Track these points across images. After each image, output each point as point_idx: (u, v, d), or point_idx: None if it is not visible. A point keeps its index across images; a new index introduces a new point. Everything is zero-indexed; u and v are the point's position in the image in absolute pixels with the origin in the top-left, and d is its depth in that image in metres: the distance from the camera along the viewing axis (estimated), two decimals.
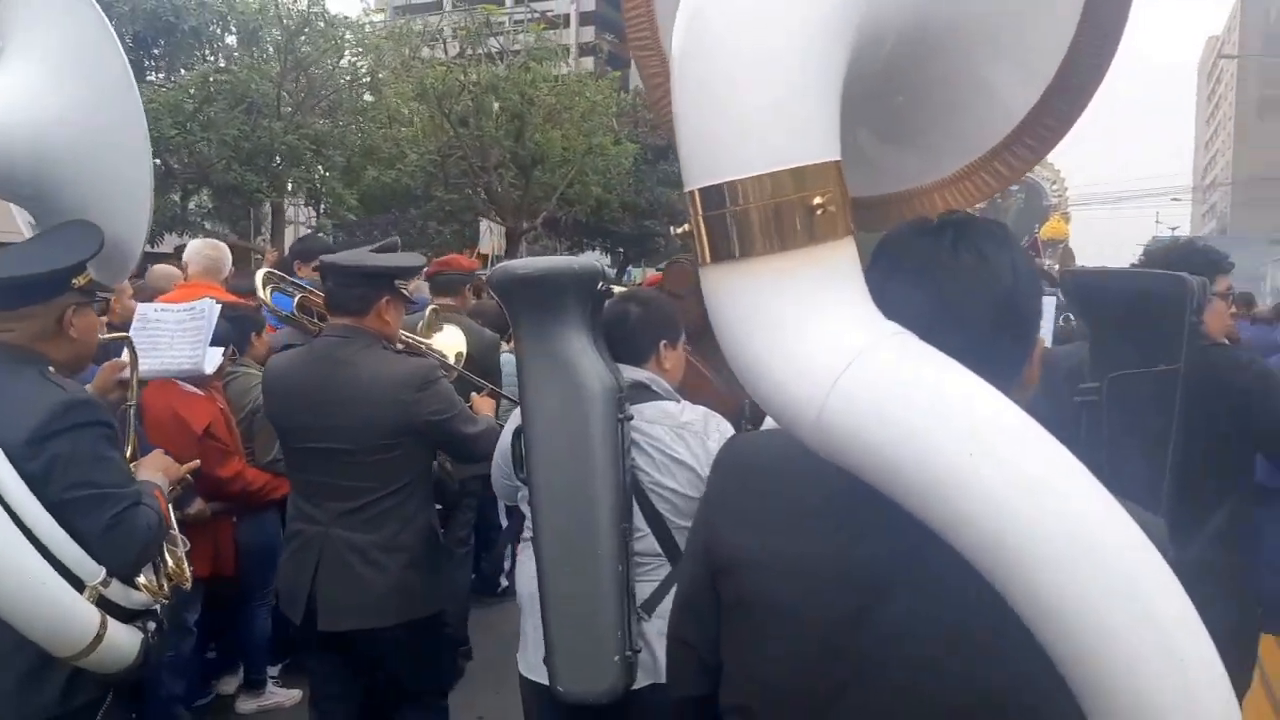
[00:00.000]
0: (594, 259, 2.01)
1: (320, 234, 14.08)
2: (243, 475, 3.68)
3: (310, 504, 2.73)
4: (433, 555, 2.76)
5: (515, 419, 2.19)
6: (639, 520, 2.05)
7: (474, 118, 17.81)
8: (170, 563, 2.24)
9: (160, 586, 2.17)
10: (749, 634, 1.13)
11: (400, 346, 3.04)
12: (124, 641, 1.99)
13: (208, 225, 13.21)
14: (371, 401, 2.62)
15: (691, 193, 1.00)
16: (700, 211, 0.99)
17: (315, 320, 3.47)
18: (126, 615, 2.01)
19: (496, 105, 17.79)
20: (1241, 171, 69.48)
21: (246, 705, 4.14)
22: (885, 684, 1.02)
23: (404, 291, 2.87)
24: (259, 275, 3.75)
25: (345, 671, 2.79)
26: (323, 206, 15.34)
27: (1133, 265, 3.23)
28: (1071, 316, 7.98)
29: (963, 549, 0.90)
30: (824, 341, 0.94)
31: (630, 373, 2.12)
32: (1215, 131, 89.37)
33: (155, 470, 2.29)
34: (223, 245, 5.17)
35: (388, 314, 2.76)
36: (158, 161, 12.89)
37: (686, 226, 1.04)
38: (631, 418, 2.03)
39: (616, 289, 2.55)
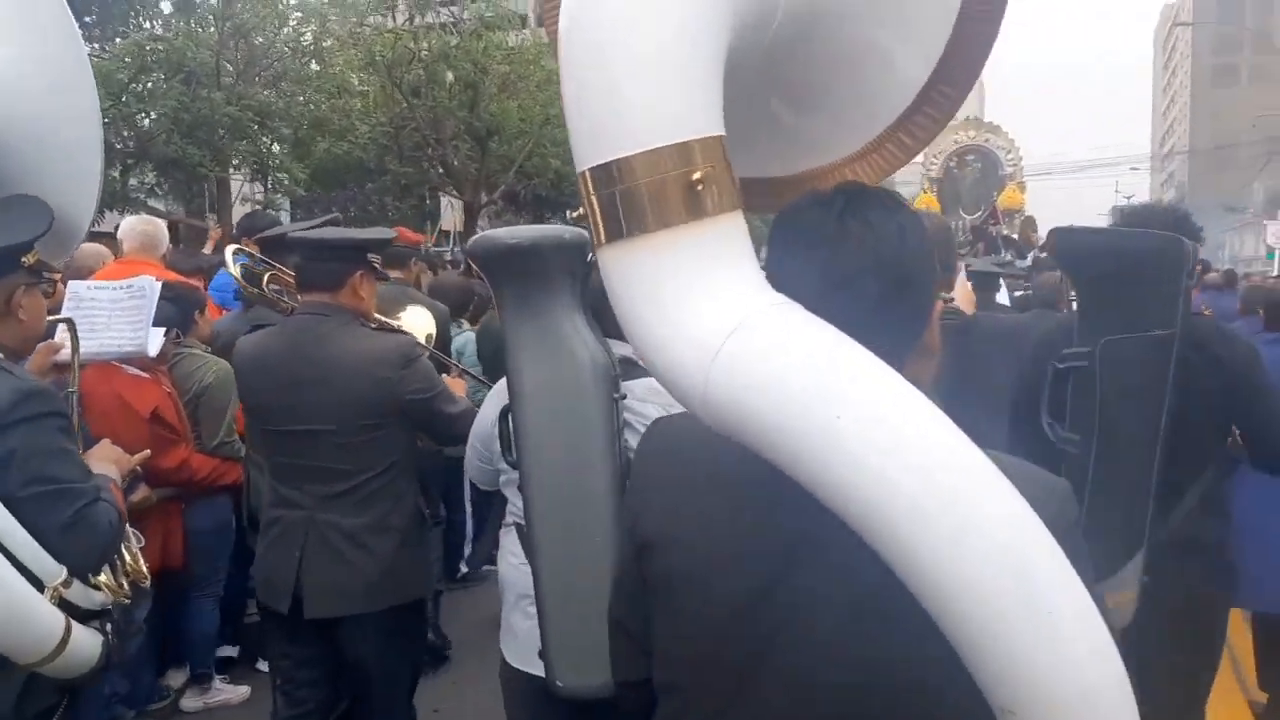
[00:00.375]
0: (581, 230, 1.96)
1: (268, 210, 13.82)
2: (189, 462, 3.60)
3: (290, 488, 2.67)
4: (420, 536, 2.74)
5: (498, 399, 2.14)
6: None
7: (426, 88, 17.54)
8: (128, 559, 2.17)
9: (120, 585, 2.10)
10: (669, 612, 1.17)
11: (374, 325, 3.00)
12: (87, 644, 1.93)
13: (150, 202, 12.83)
14: (354, 379, 2.57)
15: (583, 174, 1.02)
16: (591, 192, 1.02)
17: (285, 299, 3.39)
18: (84, 616, 1.95)
19: (450, 75, 17.51)
20: (1199, 140, 70.80)
21: (192, 703, 4.06)
22: (796, 657, 1.05)
23: (376, 265, 2.82)
24: (228, 252, 3.66)
25: (322, 659, 2.74)
26: (270, 181, 14.98)
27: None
28: (1030, 286, 8.11)
29: (843, 516, 0.93)
30: (707, 315, 0.97)
31: (619, 348, 2.04)
32: (1172, 100, 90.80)
33: (106, 462, 2.21)
34: (159, 221, 5.05)
35: (362, 289, 2.72)
36: None
37: (582, 210, 1.06)
38: (625, 396, 1.96)
39: None
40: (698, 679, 1.14)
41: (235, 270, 3.41)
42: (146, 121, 13.12)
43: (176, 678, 4.13)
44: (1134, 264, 2.33)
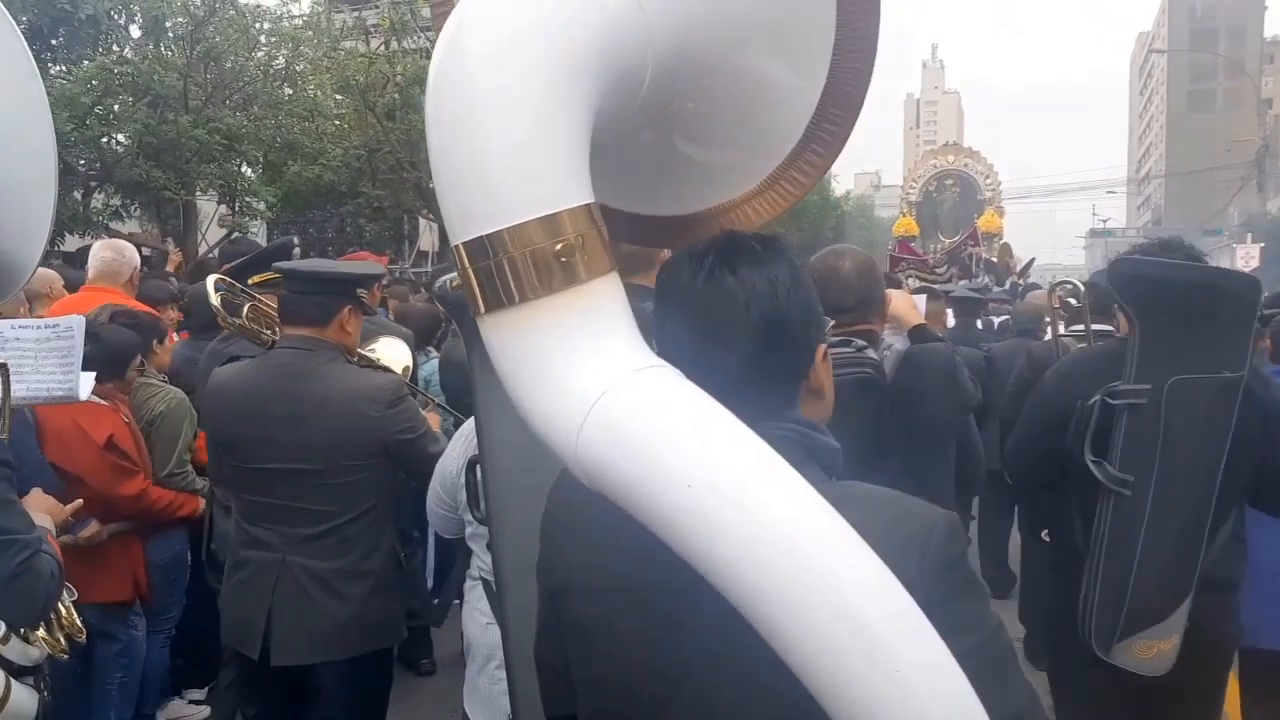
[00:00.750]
0: None
1: (237, 233, 13.72)
2: (147, 493, 3.52)
3: (261, 528, 2.59)
4: (396, 581, 2.68)
5: (463, 443, 2.04)
6: None
7: (401, 111, 17.54)
8: (63, 612, 2.12)
9: (57, 640, 2.06)
10: (585, 654, 1.21)
11: (355, 359, 2.96)
12: (24, 701, 1.88)
13: (113, 225, 12.70)
14: (339, 417, 2.55)
15: (457, 247, 1.07)
16: (467, 265, 1.06)
17: (268, 331, 3.30)
18: (19, 672, 1.90)
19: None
20: (1175, 164, 72.04)
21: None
22: (707, 691, 1.08)
23: (363, 300, 2.77)
24: (209, 282, 3.59)
25: (285, 704, 2.70)
26: (238, 204, 14.87)
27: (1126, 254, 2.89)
28: (1009, 313, 8.14)
29: (703, 574, 0.97)
30: (580, 378, 1.03)
31: None
32: (1149, 125, 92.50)
33: (41, 511, 2.14)
34: (125, 247, 4.96)
35: (349, 324, 2.68)
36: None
37: (457, 280, 1.10)
38: None
39: None
40: (619, 716, 1.17)
41: (215, 300, 3.34)
42: (112, 144, 13.00)
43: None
44: (1210, 302, 2.27)
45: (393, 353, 3.53)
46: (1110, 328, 3.63)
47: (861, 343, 2.16)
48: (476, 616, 2.23)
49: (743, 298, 1.10)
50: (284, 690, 2.68)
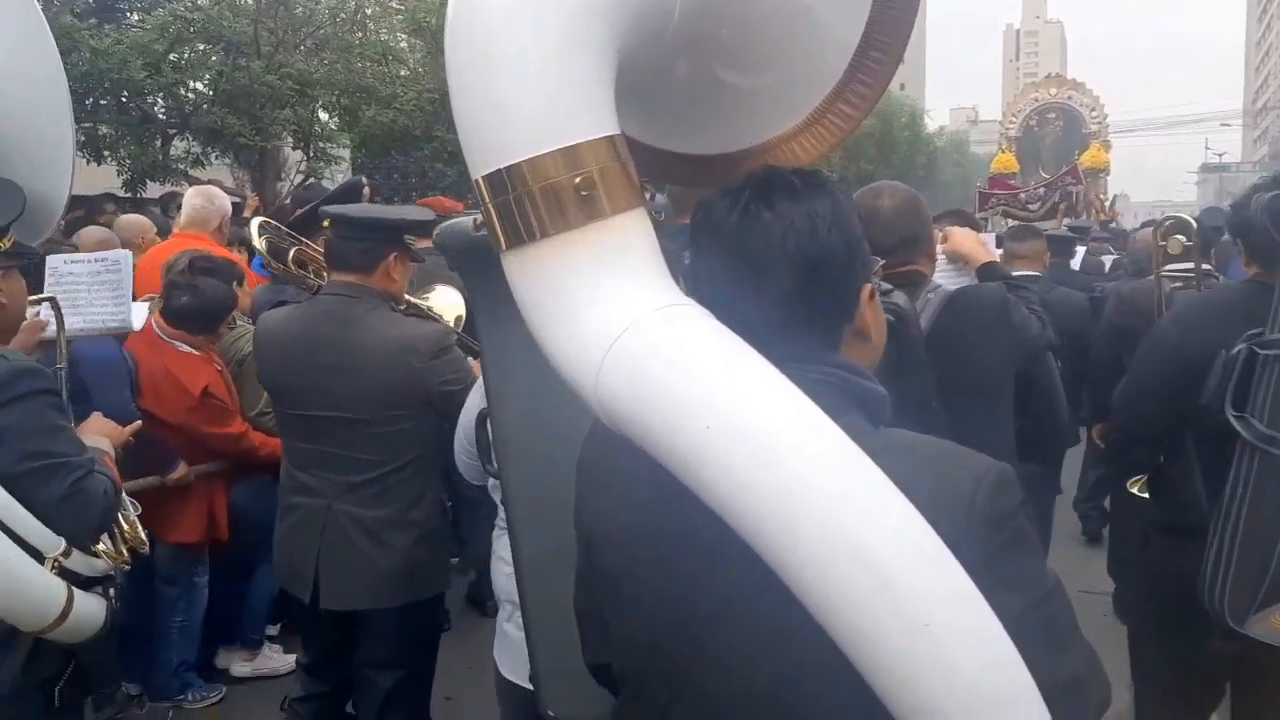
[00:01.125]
0: None
1: (312, 179, 13.80)
2: (247, 435, 3.67)
3: (309, 475, 2.64)
4: (441, 532, 2.75)
5: (479, 397, 2.03)
6: None
7: None
8: (125, 527, 2.32)
9: (120, 552, 2.25)
10: (615, 604, 1.21)
11: (404, 307, 2.97)
12: (91, 610, 2.08)
13: (192, 172, 12.89)
14: (381, 367, 2.53)
15: (477, 181, 1.05)
16: (487, 200, 1.04)
17: (313, 276, 3.37)
18: (87, 583, 2.09)
19: None
20: None
21: (241, 668, 4.13)
22: (731, 649, 1.06)
23: (413, 248, 2.74)
24: (254, 225, 3.61)
25: (339, 647, 2.77)
26: (313, 150, 14.95)
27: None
28: (1123, 251, 7.63)
29: (726, 521, 0.95)
30: (600, 316, 1.01)
31: None
32: (1266, 54, 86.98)
33: (99, 435, 2.34)
34: (218, 194, 5.11)
35: (395, 272, 2.66)
36: (133, 108, 12.61)
37: (482, 220, 1.08)
38: None
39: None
40: (645, 668, 1.18)
41: (260, 244, 3.36)
42: (189, 92, 13.14)
43: (228, 658, 4.19)
44: None
45: (445, 300, 3.51)
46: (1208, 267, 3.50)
47: (886, 285, 2.03)
48: (502, 567, 2.22)
49: (779, 233, 1.07)
50: (337, 633, 2.74)
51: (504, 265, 1.08)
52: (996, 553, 0.96)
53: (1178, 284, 3.44)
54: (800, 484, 0.91)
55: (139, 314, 3.36)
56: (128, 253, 3.36)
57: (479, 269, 1.80)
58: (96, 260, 3.29)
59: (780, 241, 1.06)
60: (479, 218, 1.15)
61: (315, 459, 2.62)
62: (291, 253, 3.50)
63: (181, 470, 3.58)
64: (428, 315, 3.04)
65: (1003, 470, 1.03)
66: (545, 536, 1.79)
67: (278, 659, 4.15)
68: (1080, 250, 6.85)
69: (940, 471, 1.02)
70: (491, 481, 2.20)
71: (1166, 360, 2.47)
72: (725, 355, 0.98)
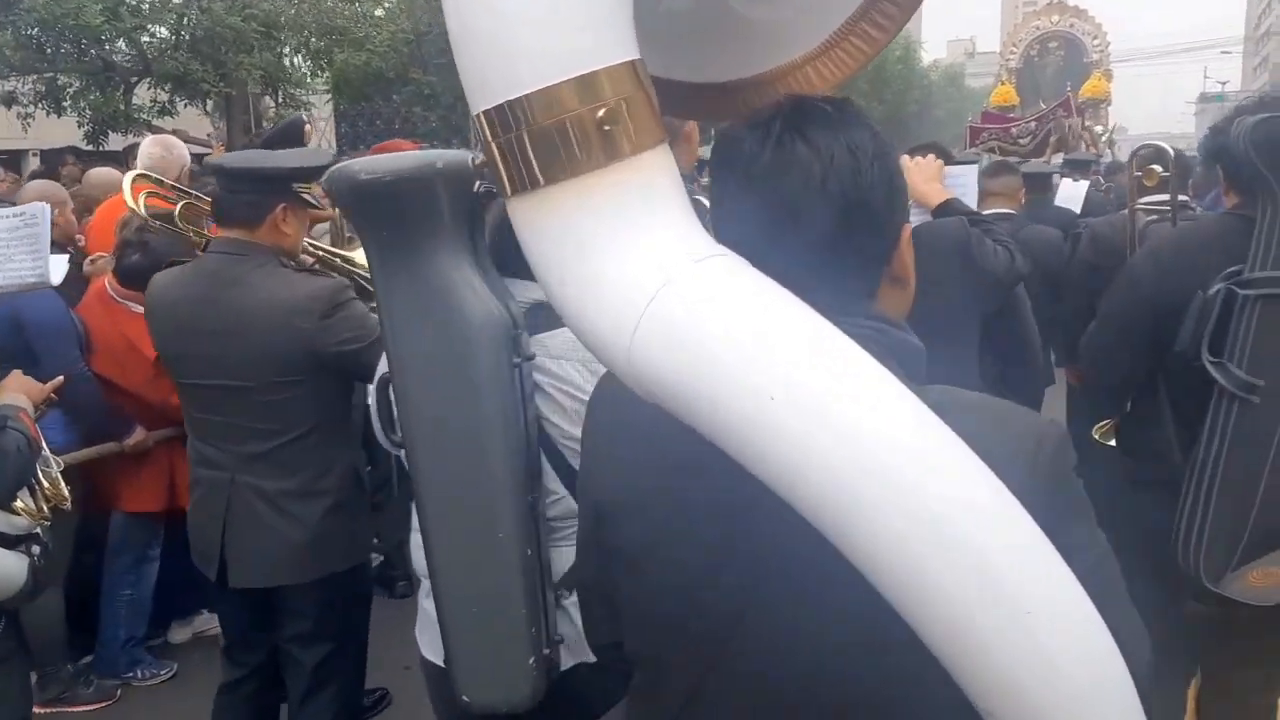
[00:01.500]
0: (463, 153, 1.54)
1: (296, 114, 13.43)
2: None
3: (209, 446, 2.54)
4: (356, 502, 2.59)
5: (382, 365, 1.88)
6: (553, 482, 1.77)
7: None
8: (46, 484, 2.30)
9: (39, 509, 2.23)
10: (634, 582, 1.13)
11: (311, 261, 2.79)
12: (11, 568, 2.10)
13: (155, 121, 12.52)
14: (267, 329, 2.39)
15: (478, 116, 0.92)
16: (490, 138, 0.91)
17: (193, 234, 3.11)
18: (9, 542, 2.10)
19: None
20: None
21: (179, 635, 4.04)
22: (771, 626, 1.00)
23: (308, 196, 2.53)
24: (127, 179, 3.33)
25: (255, 627, 2.67)
26: (281, 96, 14.53)
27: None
28: (1110, 185, 7.43)
29: (789, 502, 0.87)
30: (630, 272, 0.89)
31: (532, 291, 1.78)
32: None
33: (16, 392, 2.32)
34: (176, 144, 4.88)
35: (286, 224, 2.49)
36: (94, 55, 12.21)
37: (483, 157, 0.94)
38: (532, 356, 1.71)
39: None
40: (670, 650, 1.11)
41: (131, 200, 3.08)
42: (146, 38, 12.73)
43: (181, 632, 4.06)
44: None
45: None
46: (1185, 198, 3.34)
47: None
48: (419, 540, 2.04)
49: (819, 170, 0.97)
50: (253, 613, 2.64)
51: (511, 214, 0.95)
52: (1060, 516, 0.91)
53: (1153, 218, 3.25)
54: (883, 463, 0.83)
55: (58, 268, 3.16)
56: (45, 205, 3.14)
57: (370, 217, 1.68)
58: (15, 215, 3.09)
59: (820, 179, 0.97)
60: (478, 156, 0.99)
61: (214, 430, 2.51)
62: (179, 208, 3.17)
63: (139, 435, 3.47)
64: (325, 271, 2.81)
65: (1061, 429, 1.00)
66: (455, 517, 1.72)
67: (215, 622, 4.05)
68: (1073, 184, 6.68)
69: (1002, 430, 0.96)
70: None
71: (1139, 303, 2.31)
72: (782, 315, 0.87)
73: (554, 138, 0.88)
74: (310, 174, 2.52)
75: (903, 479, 0.82)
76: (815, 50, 1.20)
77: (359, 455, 2.67)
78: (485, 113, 0.90)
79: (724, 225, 1.01)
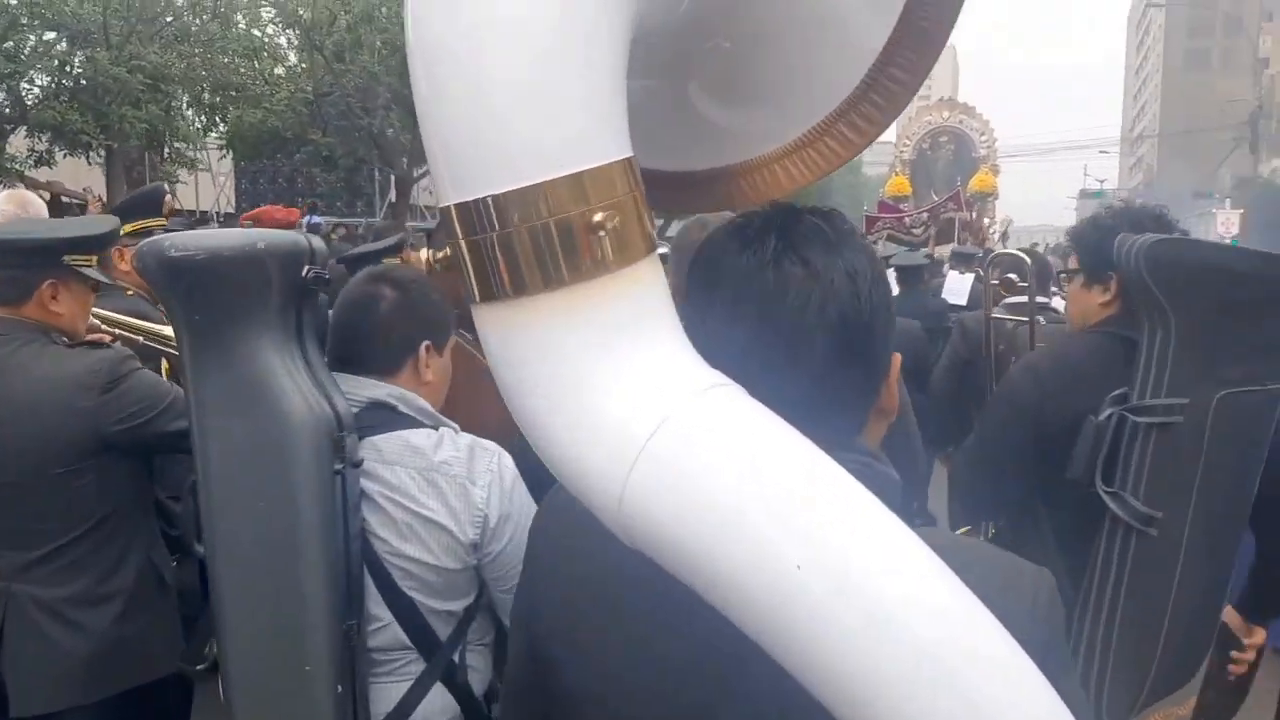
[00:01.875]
0: (292, 233, 1.39)
1: (166, 182, 12.97)
2: None
3: None
4: (155, 602, 2.33)
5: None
6: (376, 606, 1.63)
7: (351, 51, 16.77)
8: None
9: None
10: None
11: (109, 340, 2.53)
12: None
13: (29, 174, 11.93)
14: (39, 416, 2.13)
15: (447, 209, 0.81)
16: (462, 235, 0.80)
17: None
18: None
19: (378, 39, 16.75)
20: (1169, 124, 71.93)
21: None
22: None
23: (84, 269, 2.29)
24: None
25: None
26: (167, 151, 14.08)
27: (1070, 229, 2.73)
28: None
29: (802, 681, 0.77)
30: (624, 404, 0.79)
31: (368, 389, 1.69)
32: (1144, 83, 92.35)
33: None
34: (32, 201, 4.55)
35: (56, 303, 2.25)
36: None
37: (447, 251, 0.84)
38: (360, 463, 1.59)
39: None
40: None
41: None
42: (25, 85, 12.21)
43: None
44: (1264, 295, 1.87)
45: None
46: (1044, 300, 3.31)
47: None
48: None
49: (819, 296, 0.91)
50: None
51: (478, 323, 0.84)
52: (1062, 668, 0.87)
53: (1019, 319, 3.23)
54: (924, 646, 0.73)
55: None
56: None
57: (181, 298, 1.53)
58: None
59: (820, 307, 0.91)
60: (436, 252, 0.87)
61: None
62: None
63: None
64: (108, 344, 2.50)
65: (1049, 576, 0.96)
66: (260, 643, 1.57)
67: None
68: (959, 276, 6.89)
69: (1004, 581, 0.91)
70: None
71: (1019, 423, 2.20)
72: (798, 461, 0.79)
73: (540, 242, 0.77)
74: (87, 244, 2.29)
75: (944, 668, 0.74)
76: (786, 147, 1.16)
77: (158, 547, 2.39)
78: (458, 206, 0.79)
79: (710, 346, 0.91)
